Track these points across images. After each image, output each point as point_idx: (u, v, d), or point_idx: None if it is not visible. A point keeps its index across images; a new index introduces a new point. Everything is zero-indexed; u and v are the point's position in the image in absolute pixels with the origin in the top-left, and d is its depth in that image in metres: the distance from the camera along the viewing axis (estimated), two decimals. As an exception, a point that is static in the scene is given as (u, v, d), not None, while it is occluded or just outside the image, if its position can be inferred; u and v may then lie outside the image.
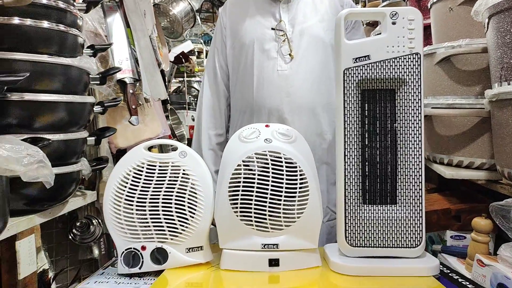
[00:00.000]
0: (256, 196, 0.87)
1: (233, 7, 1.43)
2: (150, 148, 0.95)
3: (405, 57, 0.85)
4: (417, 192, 0.87)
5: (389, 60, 0.85)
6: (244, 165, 0.88)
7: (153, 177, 0.89)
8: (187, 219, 0.89)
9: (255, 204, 0.87)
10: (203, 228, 0.90)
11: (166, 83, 2.03)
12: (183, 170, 0.90)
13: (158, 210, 0.88)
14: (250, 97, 1.32)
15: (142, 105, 1.44)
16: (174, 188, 0.89)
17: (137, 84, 1.39)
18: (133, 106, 1.31)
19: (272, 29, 1.32)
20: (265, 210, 0.88)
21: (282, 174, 0.87)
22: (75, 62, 0.96)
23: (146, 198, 0.88)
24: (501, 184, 1.05)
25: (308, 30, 1.32)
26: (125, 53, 1.38)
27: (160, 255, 0.90)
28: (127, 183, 0.88)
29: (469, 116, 1.13)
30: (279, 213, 0.88)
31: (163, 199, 0.88)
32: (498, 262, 0.86)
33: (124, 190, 0.88)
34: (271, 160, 0.87)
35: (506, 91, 0.83)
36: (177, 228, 0.89)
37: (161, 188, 0.88)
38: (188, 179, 0.90)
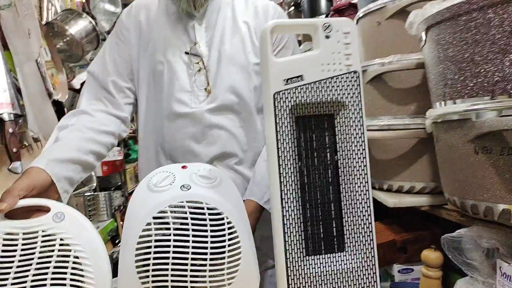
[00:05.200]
0: (173, 261, 0.66)
1: (139, 10, 1.07)
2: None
3: (342, 76, 0.72)
4: (367, 236, 0.73)
5: (325, 81, 0.71)
6: (156, 223, 0.68)
7: (14, 256, 0.62)
8: (74, 306, 0.64)
9: (172, 273, 0.66)
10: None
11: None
12: (61, 239, 0.65)
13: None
14: (161, 137, 1.05)
15: (30, 145, 1.16)
16: (48, 267, 0.63)
17: (20, 121, 1.12)
18: (14, 150, 1.03)
19: (186, 53, 1.02)
20: (186, 277, 0.67)
21: (206, 230, 0.68)
22: None
23: (7, 290, 0.61)
24: (447, 210, 0.97)
25: (226, 53, 1.02)
26: (2, 82, 1.10)
27: None
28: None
29: (406, 138, 1.05)
30: (205, 281, 0.68)
31: (32, 286, 0.62)
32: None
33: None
34: (191, 213, 0.68)
35: (453, 111, 0.73)
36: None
37: (28, 270, 0.62)
38: (69, 250, 0.65)
